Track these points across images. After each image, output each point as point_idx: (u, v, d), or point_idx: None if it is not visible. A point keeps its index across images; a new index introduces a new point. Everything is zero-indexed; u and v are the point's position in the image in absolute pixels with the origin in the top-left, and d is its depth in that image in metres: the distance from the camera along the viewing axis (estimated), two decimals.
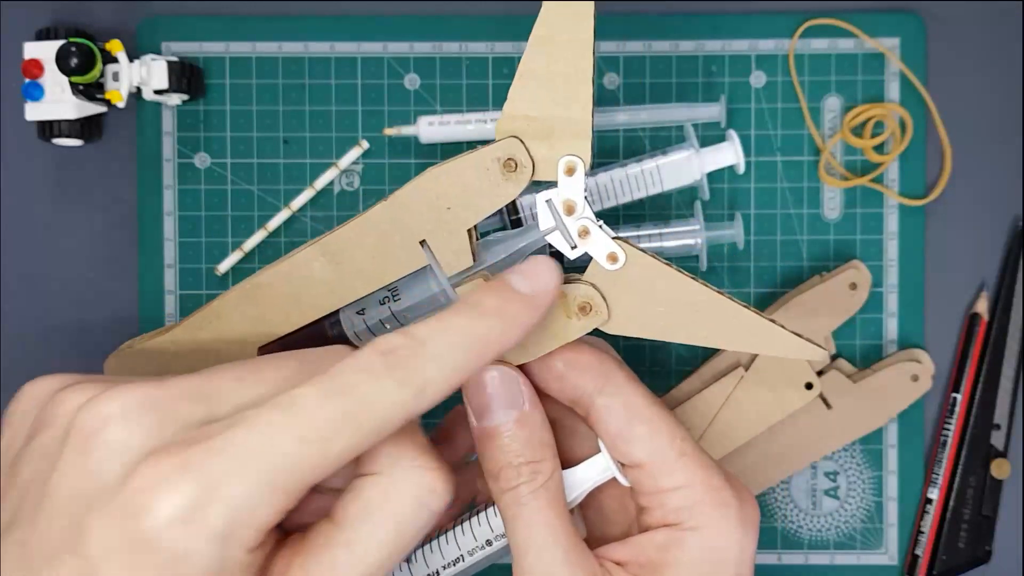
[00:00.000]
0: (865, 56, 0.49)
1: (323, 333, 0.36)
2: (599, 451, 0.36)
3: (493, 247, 0.36)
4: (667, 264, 0.34)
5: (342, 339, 0.36)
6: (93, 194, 0.49)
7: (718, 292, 0.34)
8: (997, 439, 0.49)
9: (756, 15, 0.49)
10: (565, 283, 0.35)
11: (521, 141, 0.34)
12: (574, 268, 0.35)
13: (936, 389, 0.49)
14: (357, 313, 0.36)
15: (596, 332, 0.35)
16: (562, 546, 0.33)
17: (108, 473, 0.26)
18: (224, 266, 0.48)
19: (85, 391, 0.28)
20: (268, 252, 0.49)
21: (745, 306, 0.34)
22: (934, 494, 0.49)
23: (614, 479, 0.36)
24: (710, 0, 0.49)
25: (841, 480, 0.49)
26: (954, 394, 0.49)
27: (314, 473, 0.27)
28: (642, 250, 0.34)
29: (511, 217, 0.47)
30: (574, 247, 0.35)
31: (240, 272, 0.49)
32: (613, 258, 0.34)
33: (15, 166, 0.49)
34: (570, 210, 0.34)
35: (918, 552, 0.49)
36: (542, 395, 0.36)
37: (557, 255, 0.35)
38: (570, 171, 0.34)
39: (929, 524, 0.48)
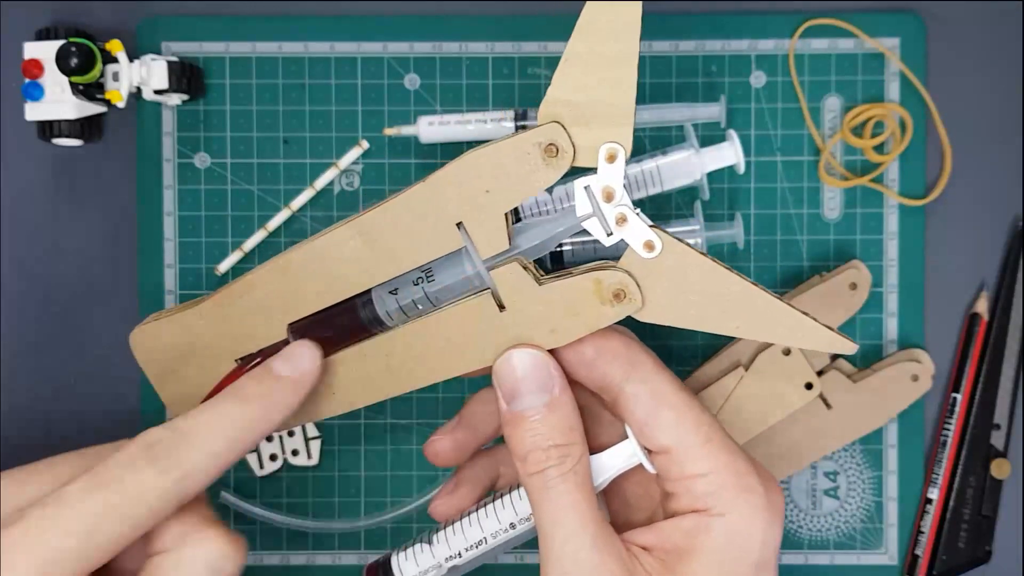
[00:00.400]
0: (865, 56, 0.49)
1: (354, 311, 0.36)
2: (625, 438, 0.36)
3: (529, 231, 0.35)
4: (703, 254, 0.34)
5: (374, 318, 0.36)
6: (93, 194, 0.49)
7: (752, 283, 0.34)
8: (997, 439, 0.49)
9: (756, 15, 0.49)
10: (600, 270, 0.35)
11: (563, 126, 0.34)
12: (606, 256, 0.35)
13: (936, 389, 0.49)
14: (390, 293, 0.36)
15: (628, 320, 0.35)
16: (590, 530, 0.34)
17: None
18: (224, 266, 0.48)
19: None
20: (268, 252, 0.49)
21: (779, 298, 0.34)
22: (934, 494, 0.49)
23: (639, 466, 0.36)
24: (710, 0, 0.49)
25: (841, 480, 0.49)
26: (954, 394, 0.49)
27: (86, 562, 0.30)
28: (678, 239, 0.34)
29: None
30: (610, 234, 0.35)
31: (240, 272, 0.49)
32: (650, 246, 0.34)
33: (15, 166, 0.49)
34: (609, 197, 0.34)
35: (918, 552, 0.49)
36: (570, 381, 0.36)
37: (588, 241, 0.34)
38: (611, 158, 0.34)
39: (929, 524, 0.48)
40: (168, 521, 0.31)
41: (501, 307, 0.35)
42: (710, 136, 0.48)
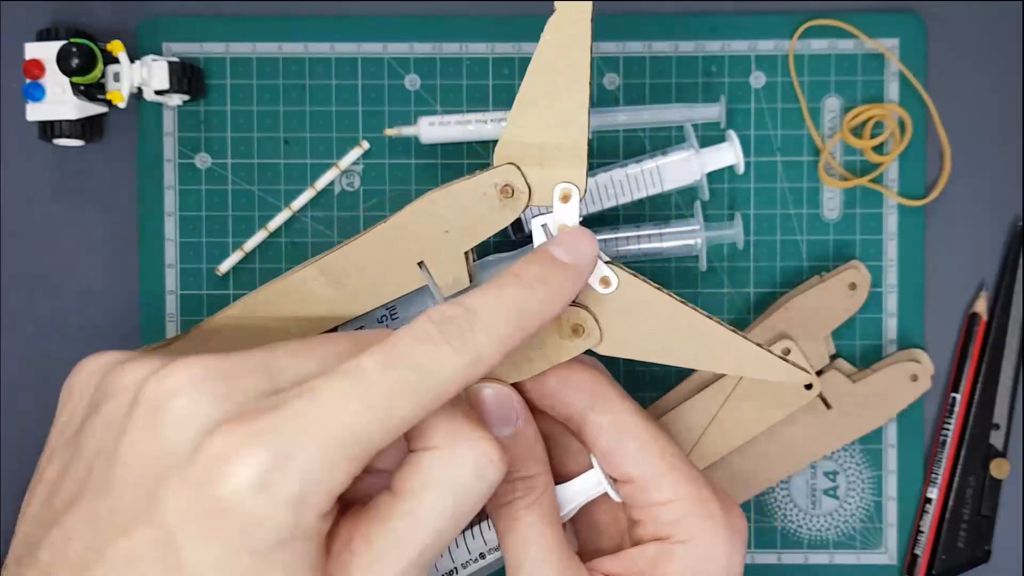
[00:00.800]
0: (865, 56, 0.49)
1: None
2: (591, 466, 0.37)
3: (490, 268, 0.37)
4: (658, 288, 0.35)
5: None
6: (94, 194, 0.49)
7: (708, 317, 0.35)
8: (996, 439, 0.49)
9: (756, 15, 0.49)
10: None
11: (518, 168, 0.35)
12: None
13: (935, 389, 0.49)
14: (356, 330, 0.37)
15: (589, 352, 0.36)
16: (554, 560, 0.34)
17: (179, 443, 0.27)
18: (225, 266, 0.48)
19: (147, 364, 0.29)
20: (269, 252, 0.49)
21: (734, 331, 0.35)
22: (933, 494, 0.49)
23: (607, 494, 0.36)
24: (710, 0, 0.49)
25: (841, 480, 0.49)
26: (953, 394, 0.49)
27: (380, 439, 0.28)
28: (634, 274, 0.35)
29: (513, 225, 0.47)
30: None
31: (240, 272, 0.49)
32: (606, 282, 0.35)
33: (15, 166, 0.49)
34: None
35: (917, 552, 0.49)
36: (535, 410, 0.37)
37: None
38: (565, 198, 0.35)
39: (928, 524, 0.49)
40: (438, 416, 0.30)
41: None
42: (710, 136, 0.48)
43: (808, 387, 0.47)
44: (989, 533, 0.49)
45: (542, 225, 0.35)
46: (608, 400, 0.36)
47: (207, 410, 0.27)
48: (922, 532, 0.49)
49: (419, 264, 0.35)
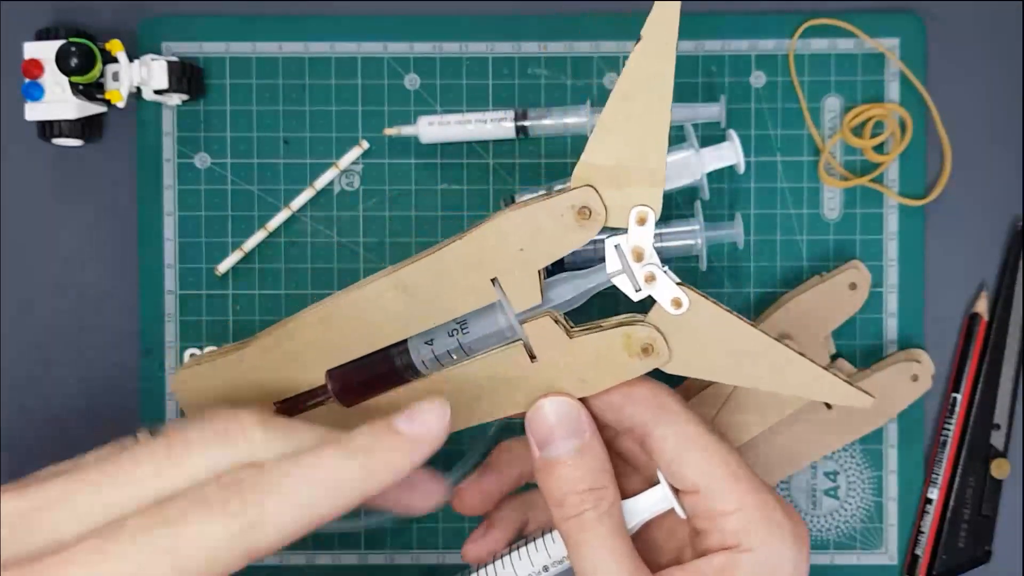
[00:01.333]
0: (865, 56, 0.49)
1: (390, 359, 0.37)
2: (653, 484, 0.37)
3: (560, 286, 0.37)
4: (728, 311, 0.36)
5: (409, 366, 0.37)
6: (93, 194, 0.49)
7: (775, 340, 0.36)
8: (997, 439, 0.49)
9: (756, 15, 0.49)
10: (629, 324, 0.36)
11: (596, 190, 0.35)
12: (635, 308, 0.36)
13: (936, 389, 0.49)
14: (425, 343, 0.37)
15: (654, 371, 0.36)
16: (627, 571, 0.34)
17: None
18: (224, 266, 0.48)
19: None
20: (268, 252, 0.49)
21: (801, 354, 0.36)
22: (934, 494, 0.49)
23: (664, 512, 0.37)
24: (710, 0, 0.49)
25: (841, 480, 0.49)
26: (954, 394, 0.49)
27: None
28: (703, 295, 0.36)
29: None
30: (638, 290, 0.36)
31: (240, 272, 0.49)
32: (677, 303, 0.36)
33: (15, 166, 0.49)
34: (639, 257, 0.36)
35: (918, 552, 0.49)
36: (599, 426, 0.37)
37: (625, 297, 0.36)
38: (641, 220, 0.35)
39: (929, 524, 0.48)
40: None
41: (532, 357, 0.36)
42: (710, 136, 0.48)
43: None
44: (989, 533, 0.49)
45: (615, 246, 0.36)
46: (671, 412, 0.36)
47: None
48: (923, 532, 0.49)
49: (492, 280, 0.36)
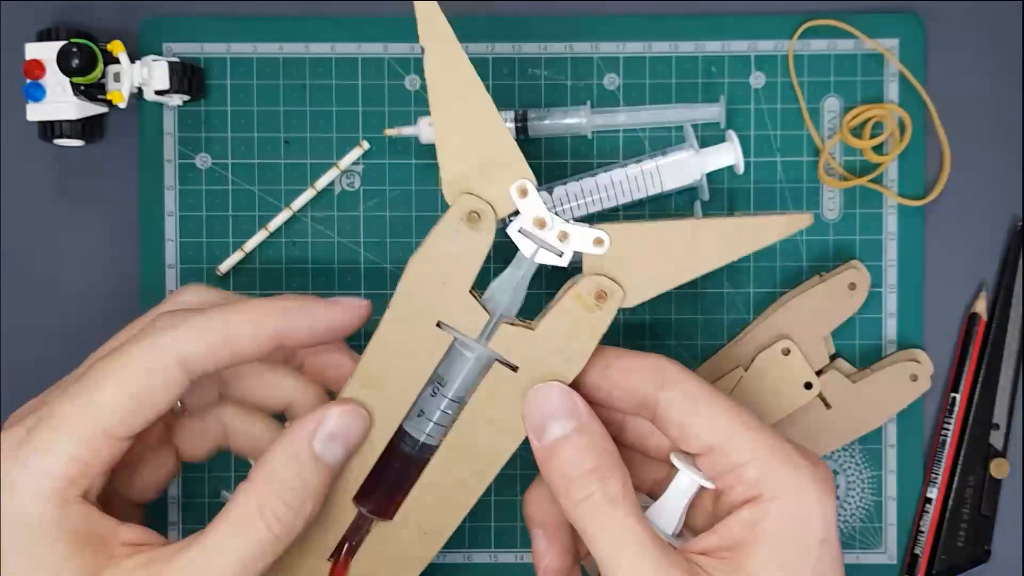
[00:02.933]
0: (864, 57, 0.49)
1: (400, 451, 0.37)
2: (667, 474, 0.37)
3: (498, 293, 0.37)
4: (642, 221, 0.37)
5: (419, 446, 0.37)
6: (94, 195, 0.49)
7: (696, 218, 0.37)
8: (996, 439, 0.49)
9: (756, 16, 0.49)
10: (572, 286, 0.36)
11: (471, 193, 0.36)
12: (575, 272, 0.36)
13: (935, 389, 0.49)
14: (418, 416, 0.37)
15: (621, 312, 0.37)
16: (652, 553, 0.33)
17: None
18: (225, 266, 0.48)
19: None
20: (269, 252, 0.49)
21: (727, 215, 0.37)
22: (933, 493, 0.49)
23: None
24: (710, 0, 0.49)
25: (840, 480, 0.49)
26: (953, 394, 0.49)
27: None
28: (620, 222, 0.36)
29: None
30: (561, 254, 0.37)
31: (240, 272, 0.49)
32: (599, 242, 0.36)
33: (16, 166, 0.49)
34: (542, 224, 0.37)
35: (917, 551, 0.49)
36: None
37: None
38: (523, 192, 0.36)
39: (928, 523, 0.49)
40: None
41: (514, 368, 0.37)
42: (710, 136, 0.48)
43: (808, 387, 0.47)
44: (989, 533, 0.49)
45: (519, 230, 0.36)
46: (673, 376, 0.36)
47: None
48: (922, 532, 0.49)
49: (438, 325, 0.36)
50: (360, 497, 0.38)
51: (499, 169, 0.36)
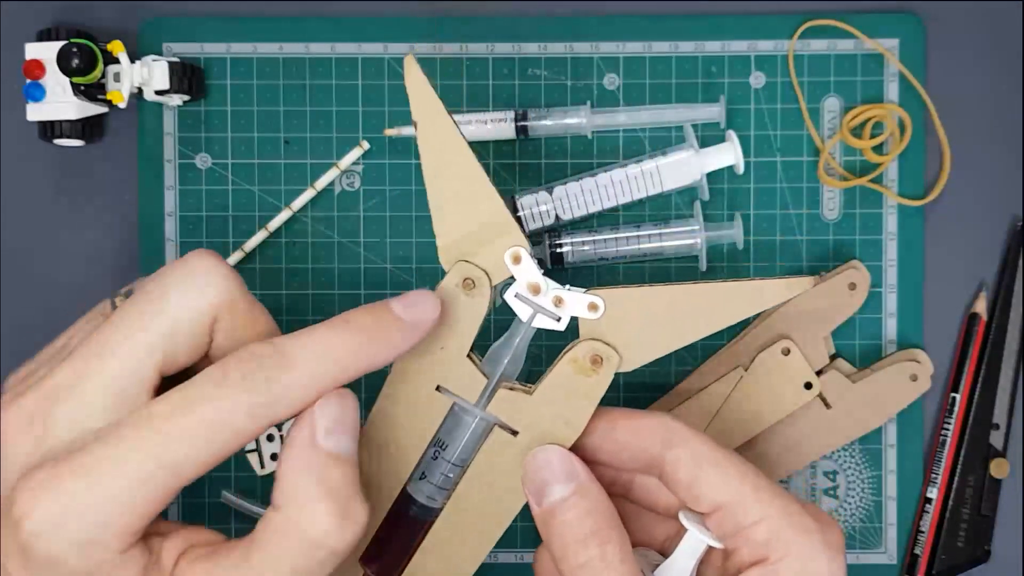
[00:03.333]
0: (864, 57, 0.49)
1: (403, 513, 0.38)
2: (676, 531, 0.37)
3: (495, 358, 0.38)
4: (639, 286, 0.37)
5: (422, 508, 0.38)
6: (94, 195, 0.49)
7: (692, 283, 0.37)
8: (996, 439, 0.49)
9: (756, 16, 0.49)
10: (569, 350, 0.37)
11: (467, 261, 0.37)
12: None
13: (935, 389, 0.49)
14: (420, 479, 0.38)
15: (617, 376, 0.37)
16: None
17: (5, 483, 0.30)
18: None
19: None
20: (269, 252, 0.49)
21: (721, 280, 0.37)
22: (933, 494, 0.49)
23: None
24: (710, 0, 0.49)
25: (840, 480, 0.49)
26: (953, 394, 0.49)
27: (171, 484, 0.30)
28: (613, 286, 0.37)
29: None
30: (558, 319, 0.37)
31: (240, 272, 0.49)
32: (594, 307, 0.37)
33: (16, 166, 0.49)
34: (536, 290, 0.37)
35: (917, 551, 0.49)
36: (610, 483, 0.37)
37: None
38: (516, 259, 0.37)
39: (928, 523, 0.49)
40: (292, 472, 0.31)
41: (514, 432, 0.37)
42: (710, 136, 0.48)
43: (808, 387, 0.47)
44: (989, 533, 0.49)
45: (515, 295, 0.37)
46: (680, 436, 0.36)
47: (22, 453, 0.30)
48: (922, 532, 0.49)
49: (437, 388, 0.37)
50: (366, 558, 0.38)
51: (493, 236, 0.37)
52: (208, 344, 0.33)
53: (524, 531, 0.49)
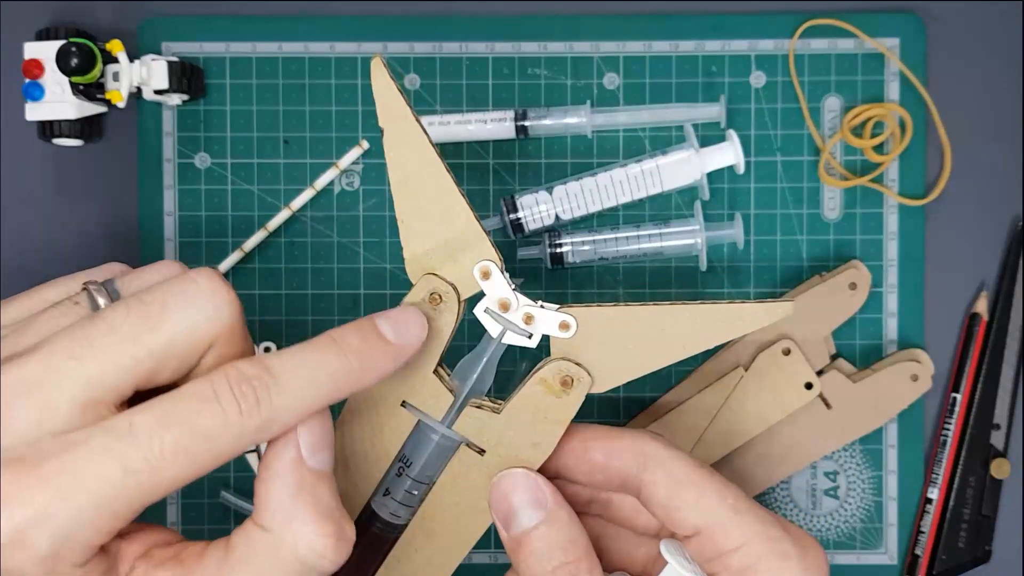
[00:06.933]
0: (865, 56, 0.49)
1: (366, 528, 0.37)
2: (660, 557, 0.36)
3: (463, 374, 0.37)
4: (613, 305, 0.35)
5: (385, 525, 0.37)
6: (93, 194, 0.49)
7: (669, 304, 0.35)
8: (997, 439, 0.49)
9: (756, 15, 0.49)
10: (539, 370, 0.35)
11: (435, 275, 0.35)
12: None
13: (936, 389, 0.49)
14: (384, 495, 0.37)
15: (590, 397, 0.36)
16: None
17: None
18: (224, 266, 0.48)
19: None
20: (268, 252, 0.49)
21: (700, 302, 0.35)
22: (934, 494, 0.49)
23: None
24: (710, 0, 0.49)
25: (841, 480, 0.49)
26: (954, 394, 0.49)
27: (142, 499, 0.28)
28: (587, 305, 0.35)
29: (510, 216, 0.47)
30: (530, 336, 0.36)
31: (240, 272, 0.49)
32: (565, 326, 0.35)
33: (15, 166, 0.49)
34: (506, 307, 0.36)
35: (918, 552, 0.49)
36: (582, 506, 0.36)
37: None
38: (485, 275, 0.36)
39: (929, 524, 0.48)
40: (279, 496, 0.30)
41: (481, 451, 0.36)
42: (710, 136, 0.48)
43: (808, 387, 0.47)
44: (989, 533, 0.49)
45: (484, 310, 0.36)
46: (656, 457, 0.35)
47: None
48: (923, 532, 0.49)
49: (402, 404, 0.36)
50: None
51: (462, 249, 0.35)
52: (195, 366, 0.31)
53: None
